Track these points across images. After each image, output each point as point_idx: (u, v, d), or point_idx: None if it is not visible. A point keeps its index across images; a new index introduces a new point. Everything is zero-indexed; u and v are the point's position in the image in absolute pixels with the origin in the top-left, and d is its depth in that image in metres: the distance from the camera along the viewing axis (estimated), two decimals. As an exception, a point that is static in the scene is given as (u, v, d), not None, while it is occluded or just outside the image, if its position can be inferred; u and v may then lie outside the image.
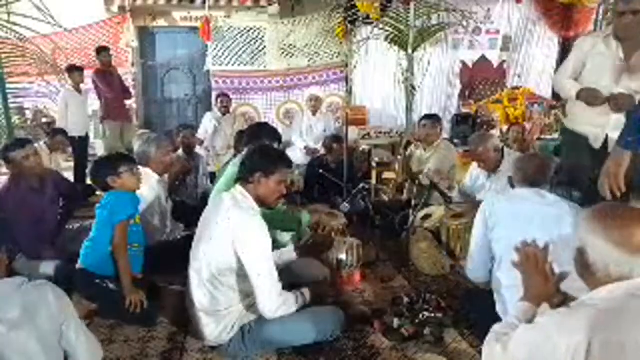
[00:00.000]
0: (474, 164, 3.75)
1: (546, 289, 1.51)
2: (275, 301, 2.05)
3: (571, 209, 2.06)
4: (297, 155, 5.78)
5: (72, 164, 5.57)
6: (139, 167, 3.02)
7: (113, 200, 2.58)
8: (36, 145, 3.45)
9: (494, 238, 2.17)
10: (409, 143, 4.17)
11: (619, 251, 1.20)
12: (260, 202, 2.19)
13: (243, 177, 2.17)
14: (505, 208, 2.19)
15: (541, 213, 2.06)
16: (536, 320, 1.31)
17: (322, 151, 4.89)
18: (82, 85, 5.61)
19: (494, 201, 2.28)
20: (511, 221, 2.09)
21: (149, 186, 3.07)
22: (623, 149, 2.07)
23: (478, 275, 2.35)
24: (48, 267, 2.89)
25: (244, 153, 2.75)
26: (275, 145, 3.04)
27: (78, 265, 2.62)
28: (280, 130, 6.36)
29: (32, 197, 3.09)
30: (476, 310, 2.40)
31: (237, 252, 2.03)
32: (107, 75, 5.68)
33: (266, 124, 3.65)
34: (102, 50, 5.68)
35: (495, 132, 5.95)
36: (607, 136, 2.79)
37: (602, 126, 2.80)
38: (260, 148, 2.37)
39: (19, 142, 3.17)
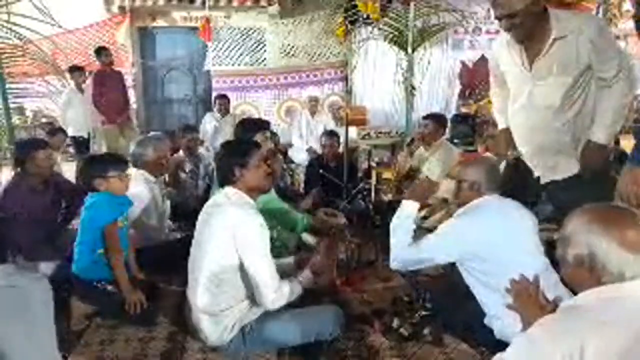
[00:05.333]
0: None
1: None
2: (273, 291, 2.06)
3: None
4: (297, 155, 5.79)
5: (72, 163, 5.57)
6: (134, 168, 3.01)
7: (97, 202, 2.51)
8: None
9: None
10: (412, 140, 4.16)
11: (634, 255, 1.18)
12: (255, 191, 2.23)
13: (226, 180, 2.20)
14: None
15: None
16: (527, 332, 1.27)
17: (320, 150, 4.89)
18: (83, 85, 5.62)
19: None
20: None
21: (144, 188, 3.05)
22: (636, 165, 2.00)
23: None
24: (48, 267, 2.89)
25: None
26: (261, 135, 3.02)
27: (73, 270, 2.58)
28: (280, 129, 6.32)
29: (33, 198, 3.08)
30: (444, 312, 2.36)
31: (237, 249, 2.05)
32: (106, 76, 5.67)
33: (248, 118, 3.61)
34: (101, 50, 5.68)
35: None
36: None
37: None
38: (222, 148, 2.38)
39: (37, 142, 3.17)
